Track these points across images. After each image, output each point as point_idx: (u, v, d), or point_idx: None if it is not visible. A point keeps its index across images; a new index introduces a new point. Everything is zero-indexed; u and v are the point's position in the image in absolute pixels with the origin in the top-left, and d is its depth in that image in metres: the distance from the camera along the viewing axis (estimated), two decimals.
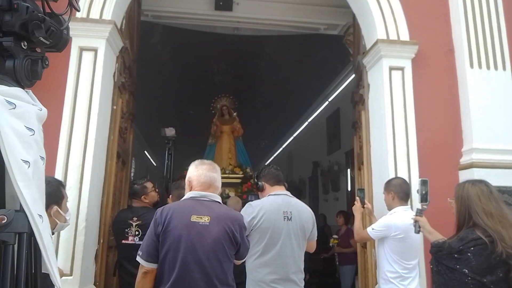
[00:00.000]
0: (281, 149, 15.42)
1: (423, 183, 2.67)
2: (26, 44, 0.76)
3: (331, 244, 6.13)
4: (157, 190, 3.46)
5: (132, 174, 11.29)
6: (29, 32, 0.74)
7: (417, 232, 2.56)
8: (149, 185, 3.36)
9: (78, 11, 0.88)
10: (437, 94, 3.64)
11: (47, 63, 0.83)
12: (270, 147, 16.08)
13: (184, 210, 2.03)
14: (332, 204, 9.39)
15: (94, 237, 3.29)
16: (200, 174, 2.14)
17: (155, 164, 15.55)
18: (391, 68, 3.60)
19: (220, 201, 2.16)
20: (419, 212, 2.57)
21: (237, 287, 2.13)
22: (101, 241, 3.37)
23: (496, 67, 3.59)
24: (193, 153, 8.04)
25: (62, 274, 2.64)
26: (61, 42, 0.86)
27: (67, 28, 0.89)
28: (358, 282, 4.47)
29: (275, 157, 16.53)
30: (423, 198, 2.62)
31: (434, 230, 2.53)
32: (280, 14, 5.34)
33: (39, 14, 0.75)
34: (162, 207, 2.11)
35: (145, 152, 14.67)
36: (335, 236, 6.12)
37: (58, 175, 3.08)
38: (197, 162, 2.24)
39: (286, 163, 14.52)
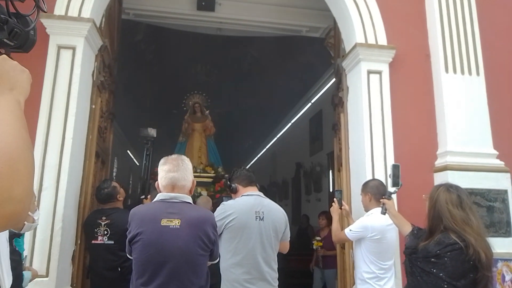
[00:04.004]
0: (264, 150, 15.44)
1: (395, 167, 2.77)
2: None
3: (314, 247, 5.76)
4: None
5: (114, 174, 11.19)
6: None
7: (383, 213, 2.67)
8: (116, 184, 3.39)
9: (45, 12, 0.88)
10: (413, 98, 3.72)
11: None
12: (254, 148, 16.09)
13: (154, 213, 2.00)
14: (314, 205, 9.46)
15: (71, 238, 3.25)
16: (161, 176, 2.10)
17: (138, 164, 15.40)
18: (369, 72, 3.66)
19: (191, 201, 2.12)
20: (388, 195, 2.68)
21: None
22: (79, 242, 3.33)
23: (470, 72, 3.70)
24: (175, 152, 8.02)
25: (36, 275, 2.60)
26: (27, 43, 0.86)
27: (34, 29, 0.89)
28: (337, 283, 4.52)
29: (258, 158, 16.54)
30: (395, 182, 2.72)
31: (399, 214, 2.64)
32: (262, 16, 5.37)
33: (2, 16, 0.75)
34: (133, 211, 2.08)
35: (128, 152, 14.50)
36: (318, 238, 5.81)
37: (35, 175, 3.02)
38: (161, 161, 2.15)
39: (270, 164, 14.56)
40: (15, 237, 1.80)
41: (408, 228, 2.45)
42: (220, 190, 6.71)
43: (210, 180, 7.00)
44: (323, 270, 5.80)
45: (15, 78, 0.78)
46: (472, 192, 3.34)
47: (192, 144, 7.63)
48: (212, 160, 7.58)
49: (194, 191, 6.57)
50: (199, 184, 6.76)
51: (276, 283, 2.53)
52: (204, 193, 6.48)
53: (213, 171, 7.15)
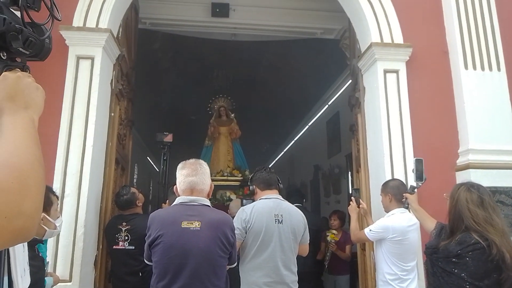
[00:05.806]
0: (282, 153, 15.41)
1: (418, 162, 2.74)
2: (5, 54, 0.78)
3: (329, 239, 5.13)
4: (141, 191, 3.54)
5: (135, 180, 11.36)
6: (7, 43, 0.77)
7: (406, 207, 2.64)
8: (135, 190, 3.44)
9: (59, 20, 0.91)
10: (432, 96, 3.65)
11: (28, 72, 0.86)
12: (271, 151, 16.08)
13: (174, 216, 2.03)
14: (334, 207, 9.33)
15: (93, 243, 3.32)
16: (180, 181, 2.13)
17: (157, 170, 15.60)
18: (386, 71, 3.61)
19: (209, 204, 2.14)
20: (411, 189, 2.67)
21: None
22: (100, 247, 3.39)
23: (490, 68, 3.60)
24: (195, 157, 8.03)
25: (58, 281, 2.66)
26: (42, 51, 0.89)
27: (49, 38, 0.92)
28: (359, 285, 4.44)
29: (276, 161, 16.51)
30: (418, 177, 2.69)
31: (421, 208, 2.62)
32: (276, 20, 5.39)
33: (17, 25, 0.77)
34: (153, 215, 2.11)
35: (148, 158, 14.71)
36: (334, 231, 5.18)
37: (57, 182, 3.12)
38: (179, 165, 2.20)
39: (288, 166, 14.49)
40: (38, 243, 1.85)
41: (430, 223, 2.42)
42: (249, 194, 6.66)
43: (237, 183, 6.94)
44: (335, 276, 5.27)
45: (30, 96, 0.80)
46: (496, 191, 3.24)
47: (219, 147, 7.63)
48: (239, 163, 7.54)
49: (224, 195, 6.60)
50: (227, 187, 6.77)
51: (296, 286, 2.51)
52: (233, 196, 6.47)
53: (240, 175, 7.10)
